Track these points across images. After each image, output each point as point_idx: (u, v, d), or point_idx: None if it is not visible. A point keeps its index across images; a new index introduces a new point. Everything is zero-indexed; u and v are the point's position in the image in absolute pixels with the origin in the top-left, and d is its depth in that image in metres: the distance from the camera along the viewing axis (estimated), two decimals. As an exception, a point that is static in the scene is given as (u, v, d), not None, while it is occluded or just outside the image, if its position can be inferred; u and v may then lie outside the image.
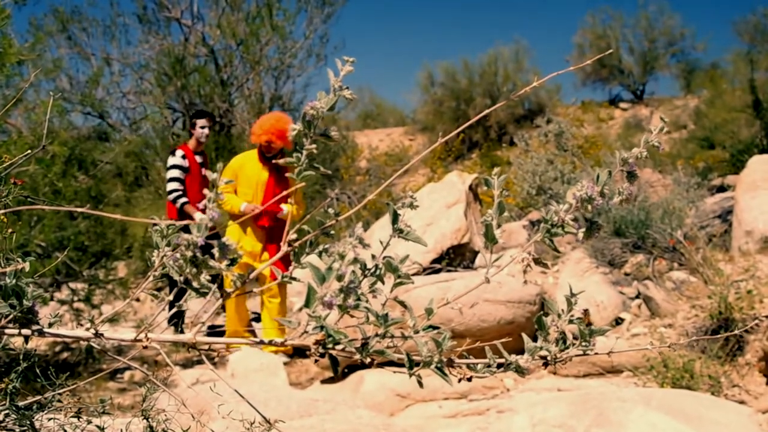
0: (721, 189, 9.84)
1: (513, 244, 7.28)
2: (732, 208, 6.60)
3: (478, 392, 4.80)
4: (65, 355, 5.17)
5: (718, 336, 4.39)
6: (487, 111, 1.20)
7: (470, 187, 7.18)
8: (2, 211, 0.98)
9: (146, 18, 12.32)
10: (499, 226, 1.10)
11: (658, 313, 5.44)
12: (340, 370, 5.20)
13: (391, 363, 1.20)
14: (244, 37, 12.04)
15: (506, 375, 4.91)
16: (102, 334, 1.02)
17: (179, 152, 6.39)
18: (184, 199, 6.19)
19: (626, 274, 6.12)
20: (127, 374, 5.25)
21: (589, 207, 1.05)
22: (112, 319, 4.82)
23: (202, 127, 6.38)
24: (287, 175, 5.56)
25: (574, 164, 9.35)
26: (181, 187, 6.23)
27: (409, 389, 4.68)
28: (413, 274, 6.08)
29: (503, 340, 1.17)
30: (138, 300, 7.54)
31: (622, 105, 21.52)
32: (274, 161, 5.45)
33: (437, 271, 6.25)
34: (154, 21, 12.35)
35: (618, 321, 5.55)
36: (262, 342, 1.16)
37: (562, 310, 1.08)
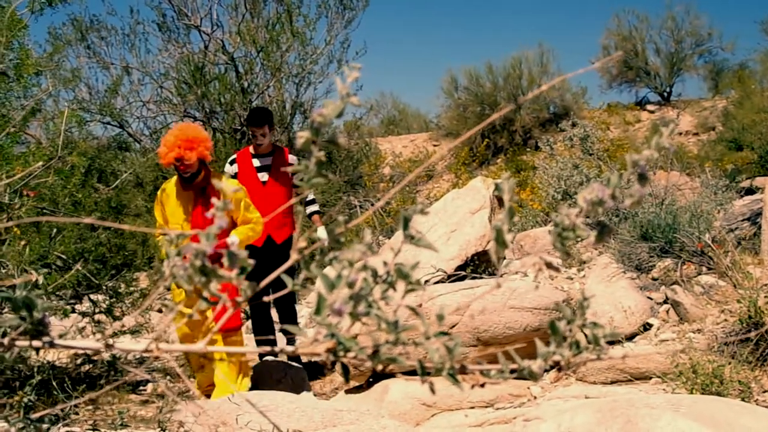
0: (750, 191, 9.72)
1: (538, 249, 7.24)
2: (761, 211, 6.50)
3: (504, 400, 4.77)
4: (86, 367, 5.18)
5: (748, 336, 4.33)
6: (491, 118, 1.19)
7: (495, 193, 7.15)
8: (14, 222, 0.99)
9: (165, 26, 12.36)
10: (509, 230, 1.09)
11: (686, 318, 5.37)
12: (365, 380, 5.19)
13: (416, 372, 1.19)
14: (264, 44, 12.05)
15: (533, 383, 4.88)
16: (112, 345, 1.03)
17: (232, 156, 6.02)
18: None
19: (654, 279, 6.05)
20: (149, 386, 5.26)
21: (600, 210, 1.03)
22: (134, 331, 4.86)
23: (253, 136, 5.85)
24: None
25: (600, 168, 9.28)
26: None
27: (435, 398, 4.67)
28: (437, 281, 6.06)
29: (517, 345, 1.16)
30: (160, 311, 7.59)
31: (649, 107, 21.31)
32: (195, 182, 4.70)
33: (462, 278, 6.23)
34: (174, 29, 12.40)
35: (646, 326, 5.49)
36: (272, 351, 1.16)
37: (574, 314, 1.06)
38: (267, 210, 5.52)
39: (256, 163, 5.87)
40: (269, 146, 5.92)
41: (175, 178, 4.83)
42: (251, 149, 5.94)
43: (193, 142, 4.57)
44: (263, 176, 5.87)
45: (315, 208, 6.19)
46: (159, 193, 4.89)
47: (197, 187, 4.71)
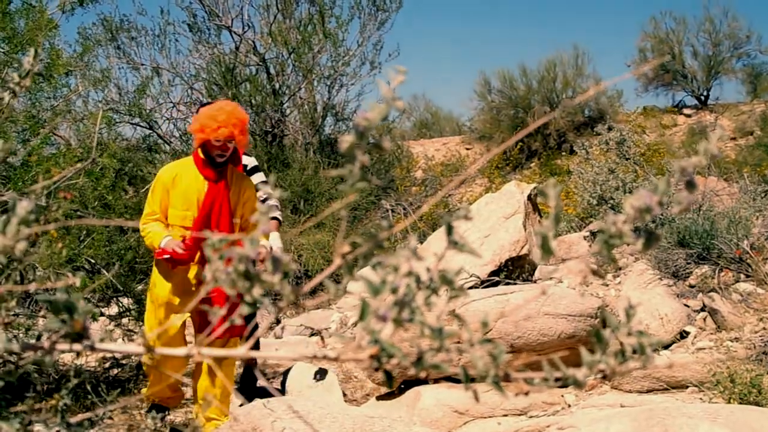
0: (790, 197, 9.54)
1: (573, 255, 7.17)
2: (802, 217, 6.39)
3: (538, 408, 4.72)
4: (115, 371, 5.19)
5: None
6: (530, 127, 1.17)
7: (529, 197, 7.10)
8: (55, 225, 1.00)
9: (196, 26, 12.36)
10: (555, 236, 1.07)
11: (724, 326, 5.29)
12: (396, 386, 5.17)
13: (448, 378, 1.18)
14: (295, 45, 12.02)
15: (567, 390, 4.83)
16: (153, 349, 1.03)
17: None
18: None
19: (691, 286, 5.96)
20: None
21: (648, 217, 1.01)
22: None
23: None
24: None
25: (637, 173, 9.17)
26: None
27: (467, 405, 4.63)
28: (471, 287, 6.03)
29: (560, 354, 1.15)
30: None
31: (686, 111, 21.02)
32: (220, 169, 4.19)
33: (496, 284, 6.19)
34: (205, 29, 12.40)
35: (683, 334, 5.41)
36: (315, 357, 1.15)
37: (619, 323, 1.05)
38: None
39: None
40: None
41: (186, 161, 4.31)
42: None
43: (245, 125, 4.10)
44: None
45: (275, 213, 5.11)
46: (165, 176, 4.21)
47: (221, 175, 4.22)
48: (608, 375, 1.10)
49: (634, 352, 1.09)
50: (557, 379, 1.09)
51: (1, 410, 1.13)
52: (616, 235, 1.06)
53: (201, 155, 4.19)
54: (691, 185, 1.05)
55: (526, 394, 1.09)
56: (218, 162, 4.14)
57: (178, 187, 4.19)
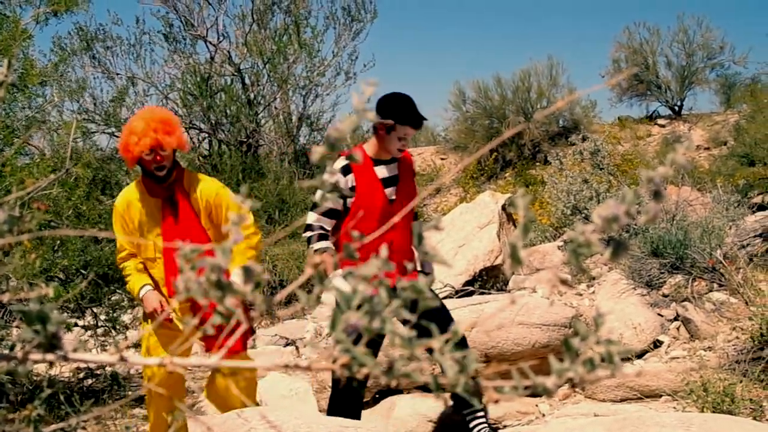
0: (762, 207, 9.67)
1: (547, 265, 7.21)
2: (773, 227, 6.47)
3: (512, 418, 4.74)
4: (89, 381, 5.15)
5: (760, 354, 4.29)
6: (503, 136, 1.19)
7: (503, 207, 7.14)
8: (26, 236, 0.99)
9: (172, 36, 12.32)
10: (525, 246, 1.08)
11: (697, 335, 5.34)
12: (371, 395, 5.16)
13: (423, 388, 1.18)
14: (271, 55, 12.01)
15: (541, 400, 4.85)
16: (126, 359, 1.03)
17: (341, 160, 3.73)
18: (319, 245, 3.75)
19: (664, 296, 6.01)
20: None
21: (616, 227, 1.03)
22: (137, 345, 4.85)
23: (401, 139, 3.98)
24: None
25: (611, 183, 9.25)
26: (314, 221, 3.81)
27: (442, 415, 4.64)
28: (446, 297, 6.05)
29: (532, 362, 1.16)
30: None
31: (660, 121, 21.20)
32: (168, 182, 3.67)
33: (470, 294, 6.21)
34: (180, 39, 12.36)
35: (656, 344, 5.45)
36: (287, 366, 1.15)
37: (588, 331, 1.06)
38: (395, 241, 3.92)
39: (381, 172, 4.02)
40: None
41: (133, 185, 3.79)
42: (368, 149, 4.04)
43: (169, 125, 3.53)
44: (391, 192, 4.03)
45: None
46: (118, 206, 3.74)
47: (167, 191, 3.69)
48: (577, 383, 1.11)
49: (603, 360, 1.11)
50: (527, 388, 1.10)
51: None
52: (585, 244, 1.07)
53: (142, 175, 3.74)
54: (658, 195, 1.07)
55: (496, 402, 1.10)
56: (161, 176, 3.63)
57: (134, 217, 3.73)
